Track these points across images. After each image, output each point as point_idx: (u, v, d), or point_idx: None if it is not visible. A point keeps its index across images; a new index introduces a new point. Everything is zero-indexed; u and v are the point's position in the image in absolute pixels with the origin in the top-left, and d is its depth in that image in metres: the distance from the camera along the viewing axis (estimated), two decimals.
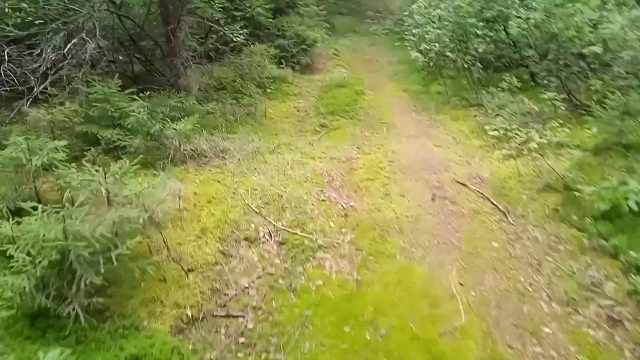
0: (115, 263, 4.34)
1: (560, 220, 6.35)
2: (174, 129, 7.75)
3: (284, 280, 5.38)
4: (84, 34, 8.21)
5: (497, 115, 10.02)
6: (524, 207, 6.75)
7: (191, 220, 6.14)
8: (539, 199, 6.89)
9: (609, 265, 5.46)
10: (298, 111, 11.74)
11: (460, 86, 12.56)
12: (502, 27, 12.14)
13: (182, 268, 5.25)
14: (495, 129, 8.89)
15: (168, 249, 5.36)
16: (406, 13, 16.49)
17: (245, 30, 12.95)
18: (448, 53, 11.66)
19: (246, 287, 5.25)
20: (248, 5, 13.96)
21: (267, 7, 14.20)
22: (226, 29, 12.56)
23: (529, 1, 10.39)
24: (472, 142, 9.31)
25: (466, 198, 7.05)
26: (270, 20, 14.44)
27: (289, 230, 6.18)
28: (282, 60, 14.26)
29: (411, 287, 5.22)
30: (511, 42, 12.31)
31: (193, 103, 8.87)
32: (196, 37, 12.52)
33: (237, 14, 13.66)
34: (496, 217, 6.54)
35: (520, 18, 10.79)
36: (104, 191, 5.08)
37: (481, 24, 11.62)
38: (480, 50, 11.23)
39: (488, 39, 11.57)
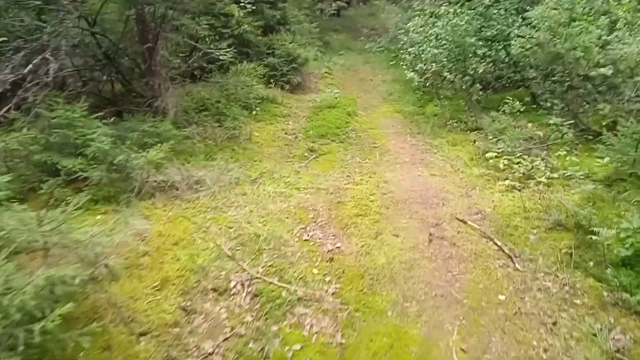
0: (39, 338, 3.48)
1: (574, 266, 5.51)
2: (144, 157, 6.93)
3: (255, 344, 4.51)
4: (48, 54, 7.40)
5: (498, 140, 9.26)
6: (532, 249, 5.91)
7: (152, 267, 5.28)
8: (548, 240, 6.06)
9: (637, 326, 4.62)
10: (286, 134, 10.94)
11: (458, 108, 11.81)
12: (502, 46, 11.43)
13: (133, 332, 4.39)
14: (496, 156, 8.12)
15: (117, 308, 4.50)
16: (402, 31, 15.81)
17: (232, 49, 12.25)
18: (445, 73, 10.91)
19: (209, 354, 4.38)
20: (236, 22, 13.25)
21: (256, 24, 13.47)
22: (212, 47, 11.86)
23: (532, 20, 9.65)
24: (471, 171, 8.50)
25: (467, 238, 6.21)
26: (260, 37, 13.71)
27: (265, 278, 5.32)
28: (272, 80, 13.54)
29: (404, 356, 4.36)
30: (512, 62, 11.59)
31: (169, 128, 8.05)
32: (180, 55, 11.80)
33: (224, 31, 12.93)
34: (501, 262, 5.70)
35: (522, 37, 10.06)
36: (40, 240, 4.24)
37: (480, 43, 10.90)
38: (479, 71, 10.48)
39: (488, 59, 10.83)
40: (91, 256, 4.89)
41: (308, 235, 6.24)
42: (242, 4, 11.06)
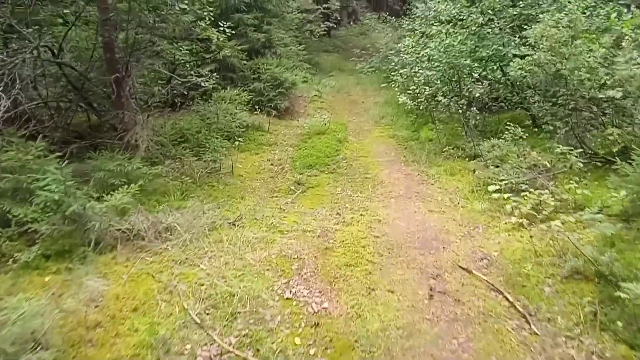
0: None
1: (600, 328, 4.66)
2: (106, 203, 6.09)
3: None
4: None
5: (500, 169, 8.47)
6: (549, 305, 5.07)
7: (103, 343, 4.40)
8: (567, 292, 5.21)
9: None
10: (272, 164, 10.12)
11: (454, 132, 11.04)
12: (498, 67, 10.71)
13: None
14: (499, 189, 7.31)
15: None
16: (392, 51, 15.15)
17: (214, 74, 11.50)
18: (440, 97, 10.16)
19: None
20: (217, 47, 12.52)
21: (240, 48, 12.75)
22: (192, 73, 11.10)
23: (530, 39, 8.94)
24: (472, 205, 7.68)
25: (473, 292, 5.37)
26: (245, 62, 12.98)
27: (238, 353, 4.44)
28: (257, 106, 12.79)
29: None
30: (509, 83, 10.86)
31: (138, 166, 7.21)
32: (159, 82, 11.03)
33: (206, 56, 12.20)
34: (515, 323, 4.85)
35: (520, 58, 9.35)
36: None
37: (475, 64, 10.17)
38: (476, 94, 9.72)
39: (485, 82, 10.09)
40: (27, 335, 4.04)
41: (291, 292, 5.38)
42: (222, 29, 10.30)
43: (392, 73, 12.63)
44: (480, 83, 9.87)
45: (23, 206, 5.92)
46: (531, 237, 6.26)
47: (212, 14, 10.32)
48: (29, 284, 5.16)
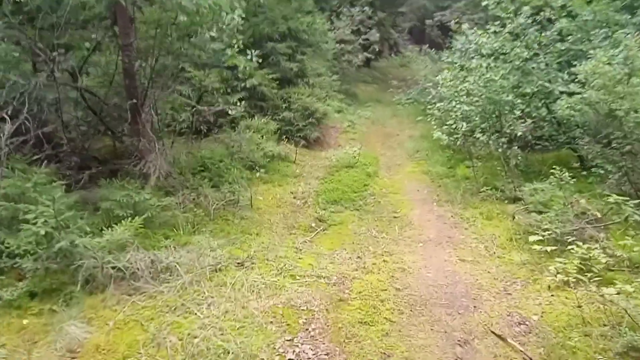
0: None
1: None
2: (106, 236, 5.59)
3: None
4: (7, 112, 6.27)
5: (542, 214, 7.58)
6: None
7: None
8: None
9: None
10: (294, 198, 9.51)
11: (493, 172, 10.16)
12: (544, 104, 9.87)
13: None
14: (542, 239, 6.46)
15: None
16: (430, 84, 14.48)
17: (242, 103, 11.10)
18: (478, 135, 9.37)
19: None
20: (245, 75, 12.17)
21: (271, 77, 12.36)
22: (220, 100, 10.74)
23: (581, 76, 8.11)
24: (510, 256, 6.81)
25: None
26: (275, 91, 12.56)
27: None
28: (286, 135, 12.30)
29: None
30: (555, 121, 9.99)
31: (146, 197, 6.72)
32: (186, 108, 10.69)
33: (236, 83, 11.85)
34: None
35: (567, 94, 8.54)
36: None
37: (519, 100, 9.35)
38: (518, 133, 8.88)
39: (529, 120, 9.25)
40: None
41: (294, 352, 4.66)
42: (250, 57, 9.89)
43: (429, 106, 11.91)
44: (523, 120, 9.02)
45: (17, 237, 5.49)
46: (578, 299, 5.37)
47: (241, 41, 9.96)
48: (6, 327, 4.65)
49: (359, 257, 6.96)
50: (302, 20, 13.12)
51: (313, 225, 8.18)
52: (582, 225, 7.22)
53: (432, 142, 13.16)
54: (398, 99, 18.92)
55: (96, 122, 8.40)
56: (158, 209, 6.79)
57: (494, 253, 6.95)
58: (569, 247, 6.33)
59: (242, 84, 12.03)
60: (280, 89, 12.75)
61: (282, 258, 6.64)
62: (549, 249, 6.24)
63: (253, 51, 9.99)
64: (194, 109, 10.40)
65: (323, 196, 9.43)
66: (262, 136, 11.02)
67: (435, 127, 11.13)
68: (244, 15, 10.21)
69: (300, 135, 12.53)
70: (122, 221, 6.00)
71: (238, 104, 10.90)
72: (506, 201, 8.89)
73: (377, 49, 22.11)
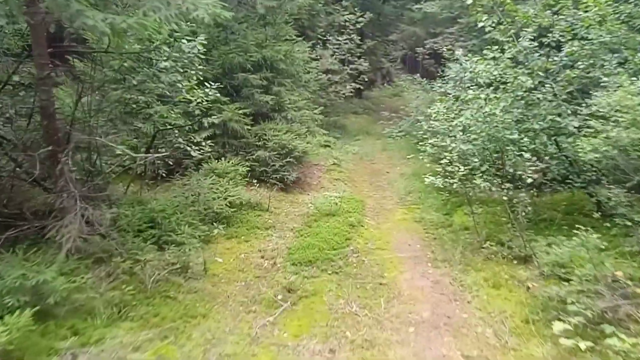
0: None
1: None
2: None
3: None
4: None
5: (564, 283, 5.96)
6: None
7: None
8: None
9: None
10: (262, 257, 7.85)
11: (496, 220, 8.57)
12: (554, 141, 8.33)
13: None
14: (569, 329, 4.85)
15: None
16: (422, 118, 12.96)
17: (209, 142, 9.58)
18: (478, 180, 7.76)
19: None
20: (202, 111, 10.67)
21: (244, 111, 10.85)
22: (181, 140, 9.18)
23: (601, 109, 6.60)
24: (528, 349, 5.14)
25: None
26: (249, 127, 11.01)
27: None
28: (261, 178, 10.74)
29: None
30: (567, 160, 8.43)
31: (51, 275, 5.06)
32: (142, 149, 9.15)
33: (204, 120, 10.31)
34: None
35: (586, 133, 7.01)
36: None
37: (526, 138, 7.80)
38: (527, 180, 7.27)
39: (540, 164, 7.67)
40: None
41: None
42: (208, 90, 8.39)
43: (420, 143, 10.35)
44: (532, 163, 7.41)
45: None
46: None
47: (200, 73, 8.47)
48: None
49: (331, 350, 5.27)
50: (279, 48, 11.65)
51: (279, 298, 6.50)
52: (617, 300, 5.58)
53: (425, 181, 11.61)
54: (389, 132, 17.43)
55: (14, 172, 6.78)
56: (65, 292, 5.10)
57: (507, 343, 5.27)
58: (608, 339, 4.73)
59: (211, 120, 10.52)
60: (254, 125, 11.21)
61: (229, 357, 4.95)
62: (581, 345, 4.62)
63: (212, 84, 8.51)
64: (148, 150, 8.85)
65: (296, 254, 7.78)
66: (230, 180, 9.40)
67: (427, 164, 9.58)
68: (204, 42, 8.83)
69: (276, 177, 10.93)
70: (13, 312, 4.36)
71: (203, 143, 9.41)
72: (515, 261, 7.25)
73: (366, 79, 20.71)
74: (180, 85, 8.42)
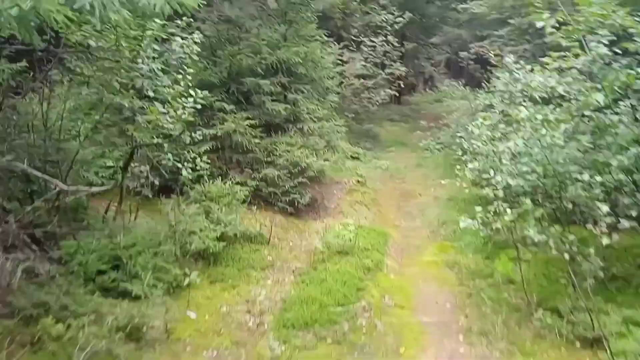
0: None
1: None
2: None
3: None
4: None
5: None
6: None
7: None
8: None
9: None
10: (248, 312, 6.22)
11: (551, 275, 6.67)
12: (633, 181, 6.30)
13: None
14: None
15: None
16: (462, 132, 11.05)
17: (208, 157, 8.10)
18: (530, 230, 5.83)
19: None
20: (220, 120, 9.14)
21: (252, 122, 9.27)
22: (169, 157, 7.68)
23: None
24: None
25: None
26: (257, 140, 9.41)
27: None
28: (267, 200, 9.16)
29: None
30: None
31: None
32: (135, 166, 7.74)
33: (206, 131, 8.82)
34: None
35: None
36: None
37: (598, 178, 5.80)
38: (605, 240, 5.31)
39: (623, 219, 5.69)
40: None
41: None
42: (193, 99, 6.83)
43: (458, 166, 8.46)
44: (606, 215, 5.45)
45: None
46: None
47: (189, 78, 6.95)
48: None
49: None
50: (298, 49, 9.99)
51: None
52: None
53: (464, 206, 9.72)
54: (427, 144, 15.59)
55: None
56: None
57: None
58: None
59: (213, 132, 9.02)
60: (263, 138, 9.60)
61: None
62: None
63: (199, 91, 6.95)
64: (126, 167, 7.39)
65: (291, 313, 6.10)
66: (225, 206, 7.82)
67: (466, 189, 7.75)
68: (198, 40, 7.34)
69: (286, 200, 9.29)
70: None
71: (198, 159, 7.90)
72: (578, 343, 5.36)
73: (401, 85, 18.84)
74: (165, 91, 6.97)
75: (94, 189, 5.63)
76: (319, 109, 10.55)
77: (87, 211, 7.48)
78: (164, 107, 6.88)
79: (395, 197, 11.60)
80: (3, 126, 6.36)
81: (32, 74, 6.54)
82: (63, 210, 6.80)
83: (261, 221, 8.45)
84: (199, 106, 6.86)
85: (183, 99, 6.83)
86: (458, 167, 8.34)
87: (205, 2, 5.67)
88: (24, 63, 6.27)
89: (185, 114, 6.64)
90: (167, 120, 6.98)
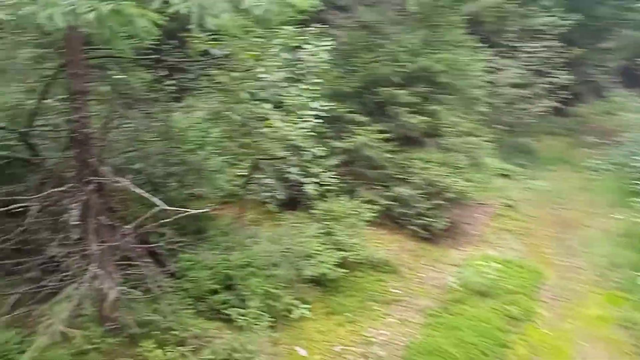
0: None
1: None
2: None
3: None
4: None
5: None
6: None
7: None
8: None
9: None
10: (364, 357, 5.36)
11: None
12: None
13: None
14: None
15: None
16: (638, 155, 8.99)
17: (331, 173, 7.51)
18: None
19: None
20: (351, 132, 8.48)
21: (383, 135, 8.46)
22: (293, 170, 7.26)
23: None
24: None
25: None
26: (389, 155, 8.56)
27: None
28: (397, 221, 8.25)
29: None
30: None
31: None
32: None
33: (336, 145, 8.28)
34: None
35: None
36: None
37: None
38: None
39: None
40: None
41: None
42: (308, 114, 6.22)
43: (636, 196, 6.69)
44: None
45: None
46: None
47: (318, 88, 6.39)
48: None
49: None
50: (440, 56, 8.91)
51: None
52: None
53: None
54: (594, 164, 13.35)
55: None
56: None
57: None
58: None
59: (342, 145, 8.41)
60: (397, 153, 8.70)
61: None
62: None
63: (322, 103, 6.33)
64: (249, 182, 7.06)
65: None
66: (348, 227, 7.07)
67: None
68: (328, 48, 6.74)
69: (419, 224, 8.26)
70: None
71: (323, 173, 7.36)
72: None
73: (564, 95, 16.49)
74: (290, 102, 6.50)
75: (195, 211, 5.24)
76: (462, 122, 9.31)
77: (212, 222, 7.36)
78: (287, 118, 6.44)
79: (553, 226, 9.78)
80: (136, 133, 6.38)
81: (163, 82, 6.50)
82: (190, 219, 6.76)
83: (388, 246, 7.55)
84: (320, 119, 6.20)
85: (308, 110, 6.28)
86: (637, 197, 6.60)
87: (342, 7, 5.06)
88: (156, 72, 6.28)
89: (308, 126, 6.03)
90: (290, 132, 6.52)
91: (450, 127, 9.14)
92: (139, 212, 5.63)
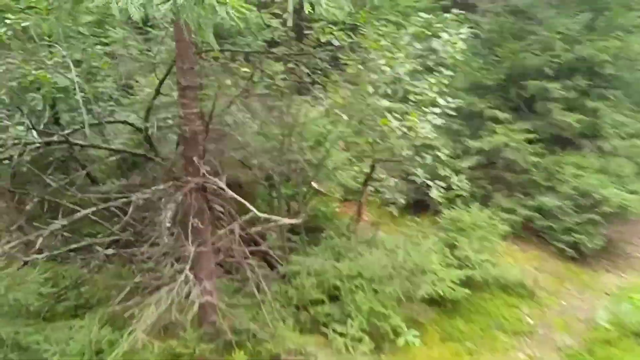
0: None
1: None
2: None
3: None
4: None
5: None
6: None
7: None
8: None
9: None
10: None
11: None
12: None
13: None
14: None
15: None
16: None
17: (463, 177, 6.74)
18: None
19: None
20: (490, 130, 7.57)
21: (527, 136, 7.42)
22: (419, 172, 6.64)
23: None
24: None
25: None
26: (535, 159, 7.47)
27: None
28: (538, 235, 7.20)
29: None
30: None
31: None
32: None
33: (471, 144, 7.49)
34: None
35: None
36: None
37: None
38: None
39: None
40: None
41: None
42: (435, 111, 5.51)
43: None
44: None
45: None
46: None
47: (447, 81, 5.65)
48: None
49: None
50: (606, 44, 7.43)
51: None
52: None
53: None
54: None
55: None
56: None
57: None
58: None
59: (478, 145, 7.54)
60: (544, 156, 7.53)
61: None
62: None
63: (455, 98, 5.61)
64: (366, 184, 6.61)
65: None
66: (480, 240, 6.27)
67: None
68: (465, 37, 5.98)
69: (566, 240, 7.07)
70: None
71: (454, 177, 6.62)
72: None
73: None
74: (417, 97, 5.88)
75: (284, 220, 4.88)
76: (630, 122, 7.75)
77: (330, 222, 7.11)
78: (415, 114, 5.82)
79: None
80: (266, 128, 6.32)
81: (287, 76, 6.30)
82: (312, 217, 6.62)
83: (525, 265, 6.56)
84: (454, 115, 5.49)
85: (439, 105, 5.59)
86: None
87: None
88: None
89: (438, 123, 5.38)
90: (418, 129, 5.89)
91: (613, 128, 7.64)
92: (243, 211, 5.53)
